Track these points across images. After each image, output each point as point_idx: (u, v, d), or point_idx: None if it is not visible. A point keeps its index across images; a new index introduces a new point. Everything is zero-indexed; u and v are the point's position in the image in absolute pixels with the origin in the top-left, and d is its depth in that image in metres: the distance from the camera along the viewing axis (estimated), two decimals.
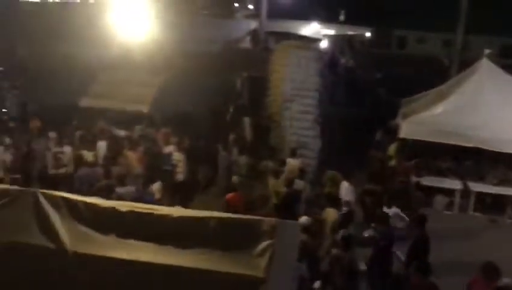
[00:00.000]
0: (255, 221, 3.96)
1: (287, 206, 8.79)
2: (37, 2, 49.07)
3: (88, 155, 10.32)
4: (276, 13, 25.20)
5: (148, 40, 17.49)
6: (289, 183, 9.27)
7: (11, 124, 13.97)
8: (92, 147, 10.82)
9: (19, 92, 16.07)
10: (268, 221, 3.95)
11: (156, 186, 9.13)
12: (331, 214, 8.10)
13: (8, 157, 10.71)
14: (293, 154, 11.01)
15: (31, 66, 20.04)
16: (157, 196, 8.91)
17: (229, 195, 8.80)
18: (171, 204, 7.29)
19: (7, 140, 11.39)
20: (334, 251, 6.83)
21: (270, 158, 11.13)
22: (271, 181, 9.73)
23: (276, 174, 9.84)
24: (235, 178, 9.86)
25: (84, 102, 13.40)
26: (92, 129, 12.28)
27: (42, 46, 21.45)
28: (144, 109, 13.10)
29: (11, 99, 15.53)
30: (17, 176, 10.29)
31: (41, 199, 4.08)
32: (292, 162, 10.59)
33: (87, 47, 20.03)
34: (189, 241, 3.90)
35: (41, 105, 14.50)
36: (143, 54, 16.62)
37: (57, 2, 50.61)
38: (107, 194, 7.55)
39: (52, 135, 11.72)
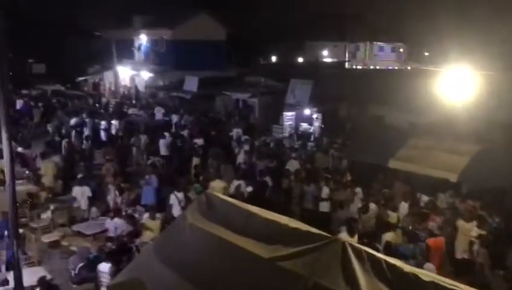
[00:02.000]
0: None
1: None
2: (359, 69, 53.91)
3: (392, 216, 10.35)
4: None
5: (462, 107, 16.81)
6: None
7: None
8: (395, 207, 10.86)
9: (337, 149, 17.45)
10: None
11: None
12: None
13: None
14: None
15: (348, 125, 21.89)
16: None
17: None
18: None
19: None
20: None
21: None
22: None
23: None
24: None
25: (392, 163, 13.61)
26: (396, 190, 12.36)
27: (359, 108, 23.22)
28: (452, 177, 12.39)
29: (332, 155, 16.87)
30: None
31: (349, 250, 4.21)
32: None
33: (400, 111, 20.61)
34: None
35: (352, 161, 15.40)
36: (455, 121, 16.01)
37: (377, 69, 54.49)
38: None
39: (357, 190, 12.37)
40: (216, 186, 12.97)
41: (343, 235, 8.25)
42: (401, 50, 62.78)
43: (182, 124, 23.38)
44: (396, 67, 55.28)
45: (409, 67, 53.53)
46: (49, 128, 22.54)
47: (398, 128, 18.75)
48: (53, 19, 47.06)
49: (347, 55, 59.53)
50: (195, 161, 16.07)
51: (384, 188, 12.57)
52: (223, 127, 23.16)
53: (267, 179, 13.83)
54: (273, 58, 60.32)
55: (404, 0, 45.18)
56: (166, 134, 19.50)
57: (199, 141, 18.77)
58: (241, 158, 16.71)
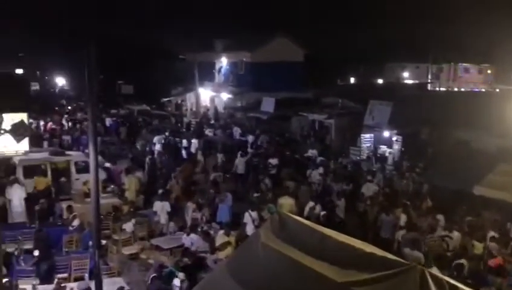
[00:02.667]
0: None
1: None
2: (443, 91, 51.64)
3: (478, 246, 9.65)
4: None
5: None
6: None
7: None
8: (481, 237, 10.12)
9: (418, 173, 16.74)
10: None
11: None
12: None
13: None
14: None
15: (430, 149, 20.93)
16: None
17: None
18: None
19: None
20: None
21: None
22: None
23: None
24: None
25: (478, 190, 12.74)
26: (483, 219, 11.54)
27: (442, 131, 22.14)
28: None
29: (412, 180, 16.23)
30: None
31: (429, 278, 3.96)
32: None
33: (487, 135, 19.39)
34: None
35: (434, 186, 14.66)
36: None
37: (462, 91, 51.93)
38: None
39: (439, 217, 11.69)
40: (284, 203, 12.98)
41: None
42: (489, 71, 59.42)
43: (258, 144, 23.62)
44: (483, 89, 52.32)
45: (497, 90, 50.42)
46: (138, 146, 23.75)
47: (484, 152, 17.60)
48: (141, 43, 50.16)
49: (429, 77, 57.32)
50: (269, 180, 16.10)
51: (469, 216, 11.77)
52: (298, 147, 23.09)
53: (342, 201, 13.52)
54: (351, 80, 59.53)
55: (490, 20, 42.90)
56: (242, 153, 19.79)
57: (274, 161, 18.83)
58: (315, 180, 16.51)
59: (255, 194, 15.40)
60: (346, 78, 58.71)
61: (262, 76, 35.03)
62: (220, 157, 19.84)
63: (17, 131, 14.09)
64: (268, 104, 31.36)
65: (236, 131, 27.06)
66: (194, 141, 23.06)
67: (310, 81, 38.79)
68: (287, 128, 28.61)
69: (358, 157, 22.24)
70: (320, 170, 17.28)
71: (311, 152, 20.88)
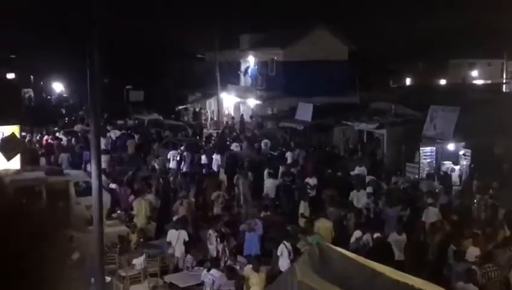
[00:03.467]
0: None
1: None
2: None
3: None
4: None
5: None
6: None
7: None
8: None
9: (492, 195, 16.54)
10: None
11: None
12: None
13: None
14: None
15: (507, 165, 20.53)
16: None
17: None
18: None
19: None
20: None
21: None
22: None
23: None
24: None
25: None
26: None
27: None
28: None
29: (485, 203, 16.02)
30: None
31: None
32: None
33: None
34: None
35: None
36: None
37: None
38: None
39: None
40: (321, 226, 12.90)
41: None
42: None
43: (293, 159, 23.62)
44: None
45: None
46: (149, 163, 24.05)
47: None
48: (152, 41, 51.06)
49: (504, 76, 56.31)
50: (306, 205, 16.06)
51: None
52: (342, 164, 22.96)
53: (397, 230, 13.36)
54: (407, 80, 59.07)
55: None
56: (273, 172, 19.81)
57: (312, 181, 18.78)
58: (363, 203, 16.38)
59: (291, 222, 15.37)
60: (400, 79, 58.29)
61: (297, 77, 35.15)
62: (247, 177, 19.89)
63: (7, 147, 14.51)
64: (304, 111, 31.36)
65: (266, 144, 27.14)
66: (216, 157, 23.25)
67: (356, 83, 38.65)
68: (328, 140, 28.51)
69: (416, 176, 22.05)
70: (370, 191, 17.13)
71: (358, 170, 20.76)
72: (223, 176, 21.36)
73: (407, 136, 24.58)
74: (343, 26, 40.72)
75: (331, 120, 29.18)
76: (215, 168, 22.78)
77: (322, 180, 19.30)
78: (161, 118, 38.95)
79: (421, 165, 22.88)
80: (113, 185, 18.41)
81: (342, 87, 35.85)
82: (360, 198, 16.76)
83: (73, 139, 28.59)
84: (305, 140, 27.87)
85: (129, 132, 31.44)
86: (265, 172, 19.92)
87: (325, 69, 35.62)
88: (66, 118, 40.01)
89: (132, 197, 17.46)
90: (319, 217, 14.13)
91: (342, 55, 38.46)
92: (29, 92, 55.36)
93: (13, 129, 17.30)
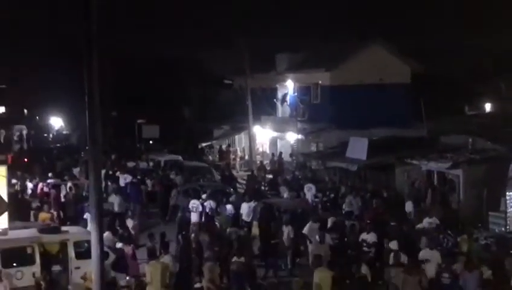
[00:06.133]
0: None
1: None
2: None
3: None
4: None
5: None
6: None
7: None
8: None
9: None
10: None
11: None
12: None
13: None
14: None
15: None
16: None
17: None
18: None
19: None
20: None
21: None
22: None
23: None
24: None
25: None
26: None
27: None
28: None
29: None
30: None
31: None
32: None
33: None
34: None
35: None
36: None
37: None
38: None
39: None
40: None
41: None
42: None
43: (346, 210, 23.33)
44: None
45: None
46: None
47: None
48: (169, 63, 51.65)
49: None
50: (364, 269, 15.68)
51: None
52: (406, 214, 22.56)
53: None
54: (487, 106, 58.24)
55: None
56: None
57: (370, 237, 18.41)
58: (435, 265, 15.95)
59: None
60: (478, 105, 57.45)
61: (347, 105, 35.06)
62: (286, 231, 19.67)
63: None
64: (357, 148, 31.10)
65: (311, 190, 26.89)
66: (248, 206, 23.09)
67: (422, 110, 38.25)
68: (388, 184, 28.15)
69: (502, 229, 21.60)
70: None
71: (428, 221, 20.39)
72: (255, 230, 21.16)
73: (490, 177, 24.18)
74: (404, 41, 40.60)
75: (392, 158, 28.88)
76: (246, 218, 22.61)
77: (383, 235, 18.89)
78: (180, 158, 39.11)
79: (509, 215, 22.36)
80: (120, 245, 18.35)
81: (404, 116, 35.59)
82: (433, 259, 16.34)
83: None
84: (359, 183, 27.51)
85: (139, 178, 31.37)
86: (309, 225, 19.63)
87: (383, 94, 35.49)
88: (67, 160, 40.45)
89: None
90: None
91: (404, 77, 38.28)
92: (21, 129, 56.43)
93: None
